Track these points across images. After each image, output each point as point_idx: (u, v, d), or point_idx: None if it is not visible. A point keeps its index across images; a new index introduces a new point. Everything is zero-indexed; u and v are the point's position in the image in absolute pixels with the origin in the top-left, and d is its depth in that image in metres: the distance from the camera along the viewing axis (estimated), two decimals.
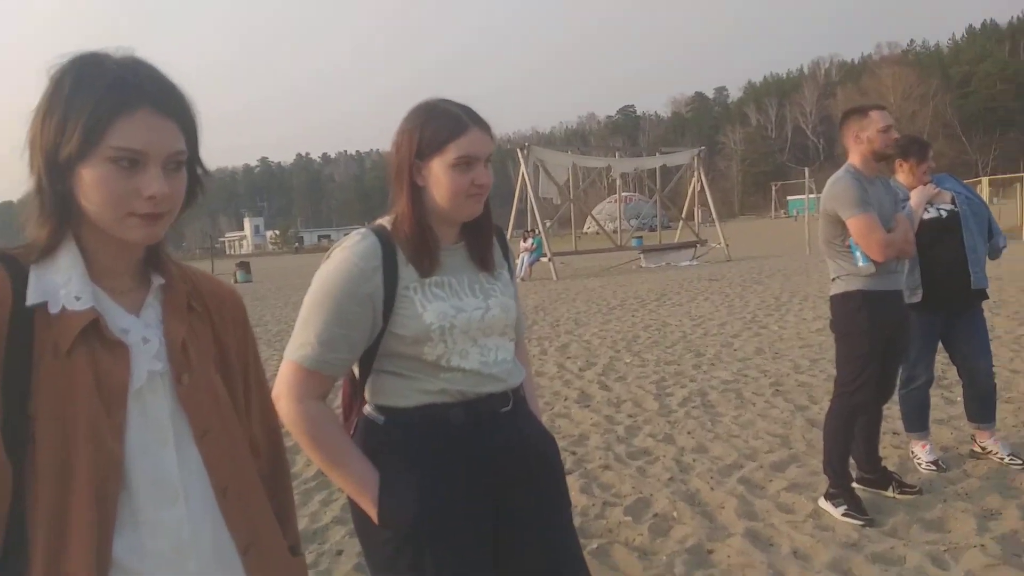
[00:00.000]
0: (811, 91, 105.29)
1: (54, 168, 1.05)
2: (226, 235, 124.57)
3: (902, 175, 3.99)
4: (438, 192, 1.62)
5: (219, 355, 1.25)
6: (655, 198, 27.47)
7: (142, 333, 1.13)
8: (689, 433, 4.91)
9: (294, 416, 1.59)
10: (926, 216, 3.89)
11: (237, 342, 1.30)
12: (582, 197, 32.79)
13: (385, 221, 1.69)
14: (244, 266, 29.06)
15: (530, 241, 21.70)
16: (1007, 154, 69.50)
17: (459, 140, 1.60)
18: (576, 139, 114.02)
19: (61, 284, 1.07)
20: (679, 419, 5.26)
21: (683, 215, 26.42)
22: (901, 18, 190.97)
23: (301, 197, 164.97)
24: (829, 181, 3.51)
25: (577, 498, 3.83)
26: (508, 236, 2.02)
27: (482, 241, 1.75)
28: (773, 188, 70.86)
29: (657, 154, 27.42)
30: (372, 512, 1.61)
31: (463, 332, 1.64)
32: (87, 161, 1.04)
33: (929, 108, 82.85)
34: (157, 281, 1.18)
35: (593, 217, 31.40)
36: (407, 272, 1.63)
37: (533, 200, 21.68)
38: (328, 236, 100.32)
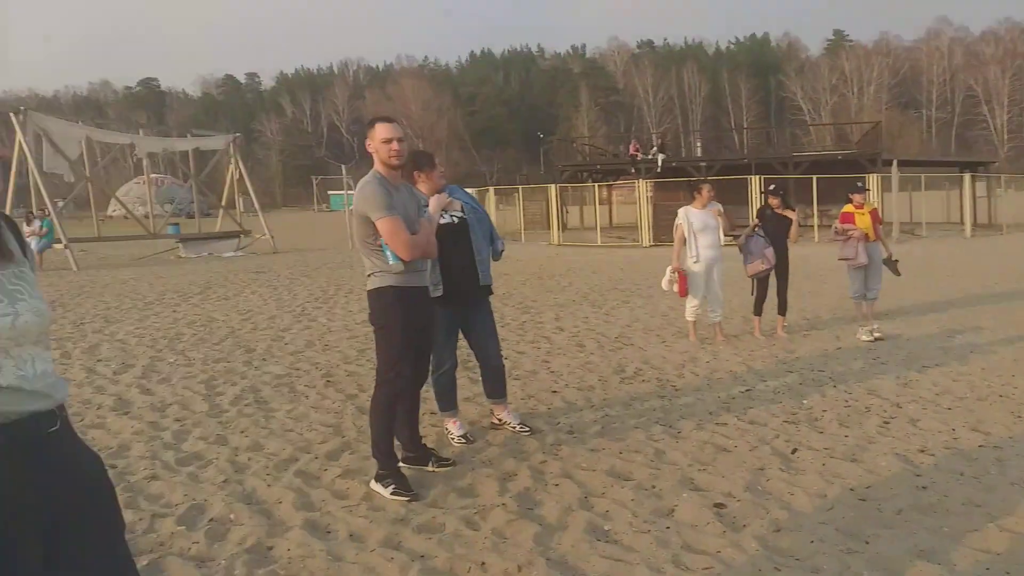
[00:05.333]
0: (342, 90, 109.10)
1: None
2: None
3: (422, 184, 4.31)
4: None
5: None
6: (190, 183, 25.85)
7: None
8: (243, 432, 4.79)
9: None
10: (442, 221, 4.31)
11: None
12: (102, 176, 29.26)
13: None
14: None
15: (36, 224, 18.37)
16: (507, 167, 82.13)
17: None
18: (90, 109, 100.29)
19: None
20: (231, 418, 5.09)
21: (223, 203, 25.27)
22: (417, 35, 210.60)
23: None
24: (358, 184, 3.74)
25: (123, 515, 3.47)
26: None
27: None
28: (314, 181, 72.26)
29: (189, 135, 25.93)
30: None
31: None
32: None
33: (444, 121, 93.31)
34: None
35: (119, 200, 28.36)
36: None
37: (37, 176, 18.54)
38: None
